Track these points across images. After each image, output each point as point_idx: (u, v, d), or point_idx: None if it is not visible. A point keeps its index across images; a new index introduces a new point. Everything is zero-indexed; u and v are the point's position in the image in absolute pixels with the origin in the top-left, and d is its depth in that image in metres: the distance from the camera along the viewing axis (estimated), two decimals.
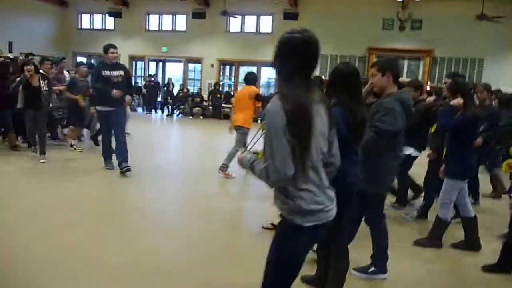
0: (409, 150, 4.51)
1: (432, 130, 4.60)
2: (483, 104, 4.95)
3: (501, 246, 3.38)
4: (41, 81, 6.13)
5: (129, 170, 5.62)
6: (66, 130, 7.99)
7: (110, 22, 17.27)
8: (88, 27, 17.97)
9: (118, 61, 5.81)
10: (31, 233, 3.50)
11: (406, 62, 13.92)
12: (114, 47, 5.66)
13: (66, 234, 3.51)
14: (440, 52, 13.45)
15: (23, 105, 6.16)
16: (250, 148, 1.86)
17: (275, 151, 1.54)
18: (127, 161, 5.66)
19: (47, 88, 6.22)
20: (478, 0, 11.75)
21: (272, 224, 3.73)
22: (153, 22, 17.06)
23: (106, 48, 5.61)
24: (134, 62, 17.48)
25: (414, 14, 13.54)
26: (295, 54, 1.61)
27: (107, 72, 5.59)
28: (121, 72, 5.69)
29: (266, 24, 15.61)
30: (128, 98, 5.71)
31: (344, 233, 2.55)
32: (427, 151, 4.68)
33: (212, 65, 16.24)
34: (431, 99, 4.63)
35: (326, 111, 1.69)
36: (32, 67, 6.05)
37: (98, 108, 5.75)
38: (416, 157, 4.70)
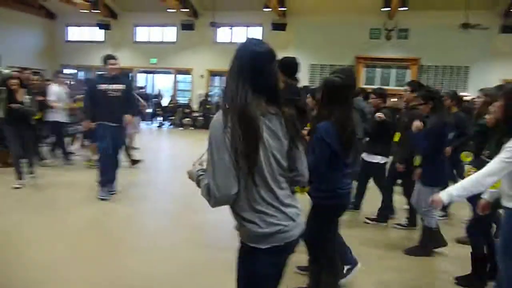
0: (376, 159, 4.61)
1: (396, 139, 4.51)
2: (447, 111, 4.92)
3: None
4: (26, 96, 5.69)
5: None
6: (86, 142, 7.62)
7: (99, 34, 17.25)
8: (76, 39, 17.93)
9: (118, 73, 5.25)
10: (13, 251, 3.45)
11: (393, 71, 14.10)
12: (114, 58, 5.20)
13: (48, 253, 3.46)
14: (426, 60, 13.65)
15: (4, 121, 5.65)
16: (202, 159, 1.72)
17: (217, 167, 1.46)
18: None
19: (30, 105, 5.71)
20: (462, 10, 11.97)
21: None
22: (142, 33, 17.09)
23: (106, 59, 5.15)
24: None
25: (401, 24, 13.74)
26: (241, 67, 1.55)
27: (103, 86, 5.09)
28: (121, 86, 5.15)
29: (255, 35, 15.69)
30: (127, 118, 5.21)
31: (334, 247, 2.55)
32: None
33: (202, 76, 16.27)
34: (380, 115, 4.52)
35: (282, 123, 1.58)
36: (17, 80, 5.67)
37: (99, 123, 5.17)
38: (385, 163, 4.71)
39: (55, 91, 6.98)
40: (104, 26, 16.10)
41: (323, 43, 14.25)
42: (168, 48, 16.42)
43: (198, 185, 1.58)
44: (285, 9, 14.09)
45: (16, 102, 5.58)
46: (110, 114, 5.07)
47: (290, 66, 3.17)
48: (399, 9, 12.76)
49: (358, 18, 13.80)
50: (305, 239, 2.44)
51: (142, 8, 16.18)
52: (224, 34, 15.80)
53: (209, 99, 15.52)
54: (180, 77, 16.92)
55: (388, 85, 13.56)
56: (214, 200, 1.48)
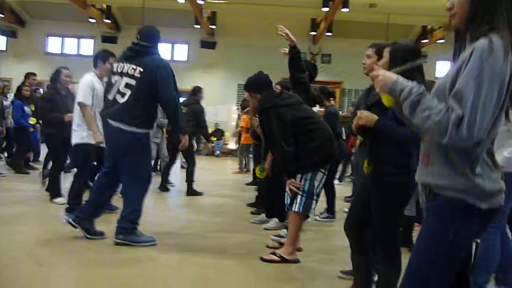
0: None
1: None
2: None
3: None
4: None
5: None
6: None
7: (0, 42, 15.35)
8: None
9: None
10: None
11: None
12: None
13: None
14: (348, 84, 14.48)
15: None
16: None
17: (486, 102, 1.22)
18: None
19: None
20: (382, 38, 12.98)
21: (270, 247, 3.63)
22: (54, 44, 15.61)
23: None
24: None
25: (324, 49, 14.46)
26: None
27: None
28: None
29: (181, 52, 15.31)
30: None
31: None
32: None
33: None
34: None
35: None
36: None
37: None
38: None
39: None
40: (8, 33, 14.42)
41: (251, 64, 13.83)
42: (84, 61, 15.16)
43: (414, 106, 1.32)
44: (214, 27, 13.95)
45: None
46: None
47: None
48: (326, 34, 13.39)
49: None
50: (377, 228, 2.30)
51: (56, 17, 14.82)
52: None
53: None
54: None
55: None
56: (459, 138, 1.24)
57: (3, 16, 13.85)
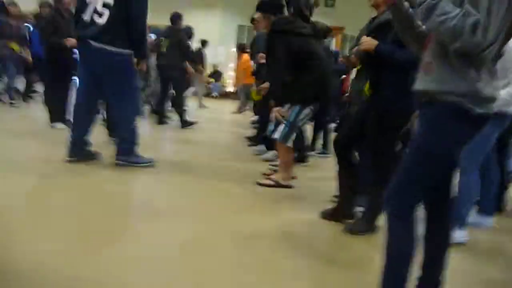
0: None
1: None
2: None
3: None
4: None
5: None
6: None
7: None
8: None
9: None
10: None
11: None
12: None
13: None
14: (350, 30, 14.18)
15: None
16: None
17: (499, 7, 1.32)
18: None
19: None
20: None
21: (266, 174, 3.68)
22: None
23: None
24: None
25: None
26: None
27: None
28: None
29: None
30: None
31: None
32: None
33: None
34: None
35: None
36: None
37: None
38: None
39: None
40: None
41: (252, 4, 13.83)
42: None
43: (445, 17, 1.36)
44: None
45: None
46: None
47: None
48: None
49: None
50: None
51: None
52: None
53: None
54: None
55: None
56: (474, 41, 1.32)
57: None
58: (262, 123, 4.90)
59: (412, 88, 1.59)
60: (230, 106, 11.18)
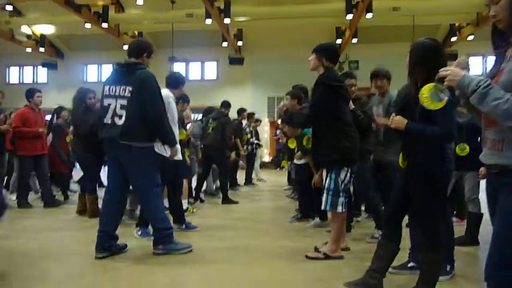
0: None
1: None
2: None
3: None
4: None
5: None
6: None
7: (42, 75, 16.32)
8: (17, 81, 16.78)
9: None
10: None
11: None
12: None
13: None
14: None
15: None
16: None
17: None
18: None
19: None
20: (408, 41, 12.89)
21: (317, 249, 3.48)
22: (92, 73, 16.45)
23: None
24: None
25: (351, 56, 14.48)
26: None
27: None
28: None
29: (211, 70, 15.83)
30: None
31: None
32: None
33: None
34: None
35: None
36: None
37: None
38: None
39: None
40: (49, 65, 15.29)
41: (279, 76, 14.40)
42: None
43: (482, 98, 1.58)
44: (241, 44, 14.33)
45: None
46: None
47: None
48: (352, 41, 13.41)
49: (309, 50, 14.29)
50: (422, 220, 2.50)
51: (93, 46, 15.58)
52: (180, 70, 15.69)
53: None
54: None
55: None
56: None
57: (43, 50, 14.77)
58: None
59: (447, 152, 1.77)
60: (266, 177, 10.85)
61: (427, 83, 1.99)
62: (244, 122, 8.54)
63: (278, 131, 8.81)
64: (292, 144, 4.78)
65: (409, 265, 2.98)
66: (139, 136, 3.33)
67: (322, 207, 3.40)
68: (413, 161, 2.46)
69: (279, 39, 14.28)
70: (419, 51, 2.43)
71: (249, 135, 8.77)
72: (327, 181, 3.34)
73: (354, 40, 13.37)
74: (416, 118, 2.38)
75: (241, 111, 8.32)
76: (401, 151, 2.54)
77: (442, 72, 1.74)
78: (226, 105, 6.91)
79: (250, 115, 8.94)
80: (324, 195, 3.35)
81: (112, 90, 3.42)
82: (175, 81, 4.25)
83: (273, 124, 13.97)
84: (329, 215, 3.53)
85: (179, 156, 3.75)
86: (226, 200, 6.42)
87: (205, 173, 6.65)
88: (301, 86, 5.18)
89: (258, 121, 9.89)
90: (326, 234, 3.77)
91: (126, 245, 3.62)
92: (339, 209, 3.33)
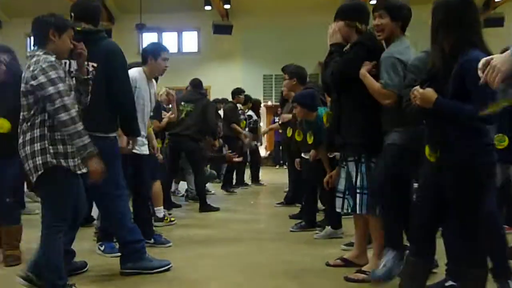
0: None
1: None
2: None
3: None
4: None
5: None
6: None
7: None
8: None
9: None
10: None
11: None
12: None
13: None
14: None
15: None
16: None
17: None
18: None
19: None
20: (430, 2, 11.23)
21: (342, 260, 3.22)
22: None
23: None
24: None
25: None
26: None
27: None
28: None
29: (191, 41, 14.44)
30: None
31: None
32: None
33: None
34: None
35: None
36: None
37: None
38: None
39: None
40: None
41: (279, 48, 12.74)
42: None
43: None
44: (229, 6, 12.34)
45: None
46: None
47: None
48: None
49: (319, 18, 12.29)
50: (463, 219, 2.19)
51: None
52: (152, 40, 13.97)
53: None
54: None
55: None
56: None
57: None
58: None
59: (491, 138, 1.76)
60: (263, 175, 9.24)
61: (456, 50, 1.96)
62: (239, 106, 7.90)
63: (276, 118, 8.43)
64: (300, 137, 4.38)
65: (447, 284, 2.67)
66: (102, 125, 3.02)
67: (359, 211, 2.96)
68: (448, 152, 2.13)
69: (276, 1, 12.67)
70: (443, 9, 2.13)
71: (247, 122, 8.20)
72: (358, 177, 2.92)
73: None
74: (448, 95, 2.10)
75: (237, 92, 7.68)
76: (428, 140, 2.24)
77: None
78: (197, 84, 6.04)
79: (247, 99, 8.20)
80: (358, 196, 2.93)
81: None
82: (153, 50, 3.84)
83: (270, 110, 12.47)
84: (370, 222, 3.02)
85: (144, 150, 3.64)
86: (205, 207, 5.82)
87: (172, 170, 5.91)
88: (297, 66, 4.74)
89: (258, 102, 8.97)
90: (341, 247, 3.55)
91: (86, 264, 3.27)
92: (378, 211, 2.96)
